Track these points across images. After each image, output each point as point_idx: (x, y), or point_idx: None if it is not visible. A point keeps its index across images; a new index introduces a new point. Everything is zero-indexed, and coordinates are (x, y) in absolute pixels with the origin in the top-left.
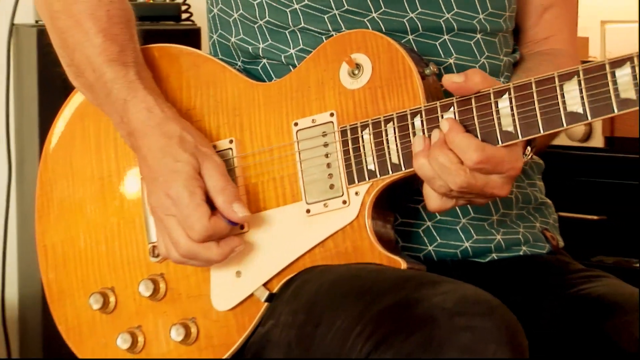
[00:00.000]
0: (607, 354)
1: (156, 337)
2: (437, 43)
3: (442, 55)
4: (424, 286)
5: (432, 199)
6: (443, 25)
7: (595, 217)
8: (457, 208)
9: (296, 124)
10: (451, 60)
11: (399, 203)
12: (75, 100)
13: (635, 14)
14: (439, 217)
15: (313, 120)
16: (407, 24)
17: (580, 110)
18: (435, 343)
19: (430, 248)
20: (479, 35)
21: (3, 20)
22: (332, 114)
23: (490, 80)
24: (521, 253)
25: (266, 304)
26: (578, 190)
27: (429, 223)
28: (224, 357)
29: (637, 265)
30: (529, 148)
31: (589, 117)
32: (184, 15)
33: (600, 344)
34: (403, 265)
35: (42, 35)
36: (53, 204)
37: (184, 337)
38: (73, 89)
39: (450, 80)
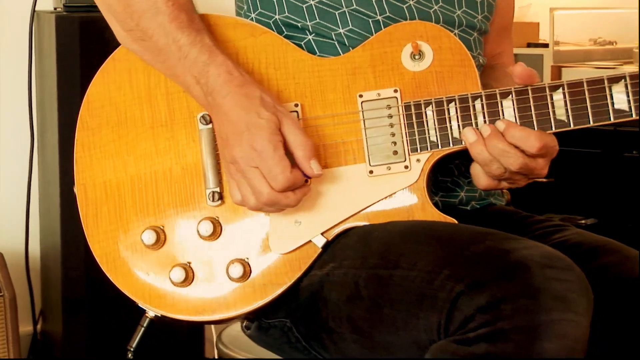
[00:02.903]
0: (608, 286)
1: (207, 273)
2: None
3: None
4: (507, 240)
5: (482, 179)
6: (456, 20)
7: (544, 180)
8: (453, 168)
9: (361, 96)
10: None
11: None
12: (118, 57)
13: (581, 2)
14: (440, 178)
15: (378, 94)
16: (432, 15)
17: (626, 108)
18: (532, 289)
19: (437, 199)
20: (475, 34)
21: (25, 8)
22: (395, 90)
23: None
24: (491, 200)
25: (319, 250)
26: None
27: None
28: (274, 295)
29: (582, 221)
30: None
31: (634, 115)
32: None
33: (599, 280)
34: (455, 222)
35: (60, 20)
36: (95, 147)
37: (242, 274)
38: (88, 69)
39: (524, 68)
